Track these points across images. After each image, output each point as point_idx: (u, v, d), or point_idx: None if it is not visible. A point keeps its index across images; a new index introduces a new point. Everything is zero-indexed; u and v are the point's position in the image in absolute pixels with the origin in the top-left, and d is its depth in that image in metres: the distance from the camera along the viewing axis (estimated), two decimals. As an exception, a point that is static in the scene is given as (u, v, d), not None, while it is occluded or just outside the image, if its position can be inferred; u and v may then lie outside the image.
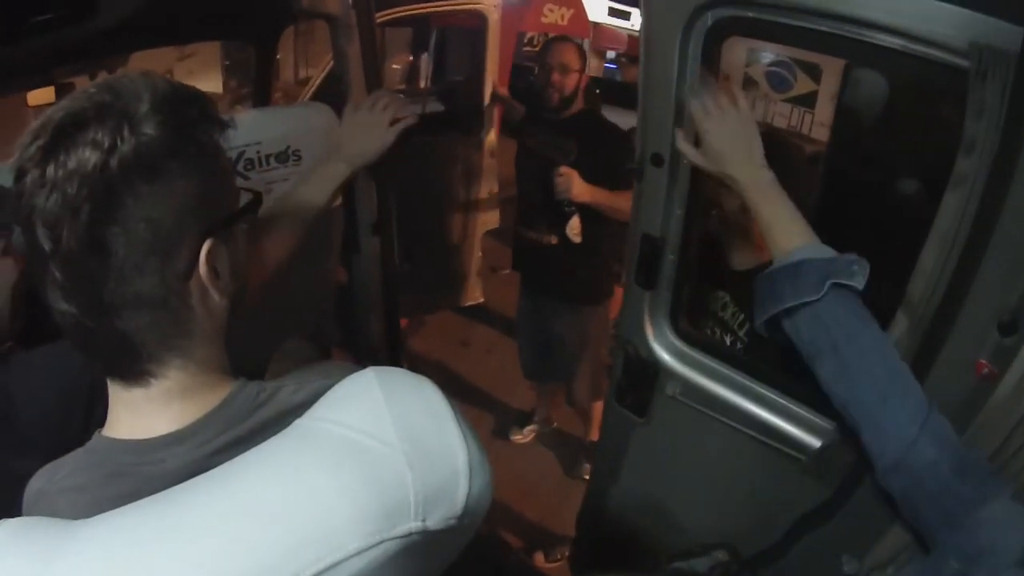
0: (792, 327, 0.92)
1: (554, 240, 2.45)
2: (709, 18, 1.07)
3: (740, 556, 1.13)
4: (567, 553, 2.37)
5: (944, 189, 0.88)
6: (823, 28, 0.96)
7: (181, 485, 0.54)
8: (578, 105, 2.45)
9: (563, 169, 2.22)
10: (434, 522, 0.55)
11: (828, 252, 0.92)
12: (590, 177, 2.27)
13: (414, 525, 0.54)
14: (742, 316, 1.54)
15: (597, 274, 2.55)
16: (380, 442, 0.55)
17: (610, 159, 2.28)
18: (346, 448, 0.55)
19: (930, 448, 0.78)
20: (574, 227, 2.33)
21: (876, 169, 1.14)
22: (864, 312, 0.87)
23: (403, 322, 3.03)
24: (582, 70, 2.41)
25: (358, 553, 0.52)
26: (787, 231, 0.95)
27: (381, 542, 0.52)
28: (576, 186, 2.23)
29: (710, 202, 1.51)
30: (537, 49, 11.84)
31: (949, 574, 0.74)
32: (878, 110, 1.07)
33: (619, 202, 2.14)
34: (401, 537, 0.53)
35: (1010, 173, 0.81)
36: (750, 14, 1.02)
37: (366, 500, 0.53)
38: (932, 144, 1.05)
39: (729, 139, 1.01)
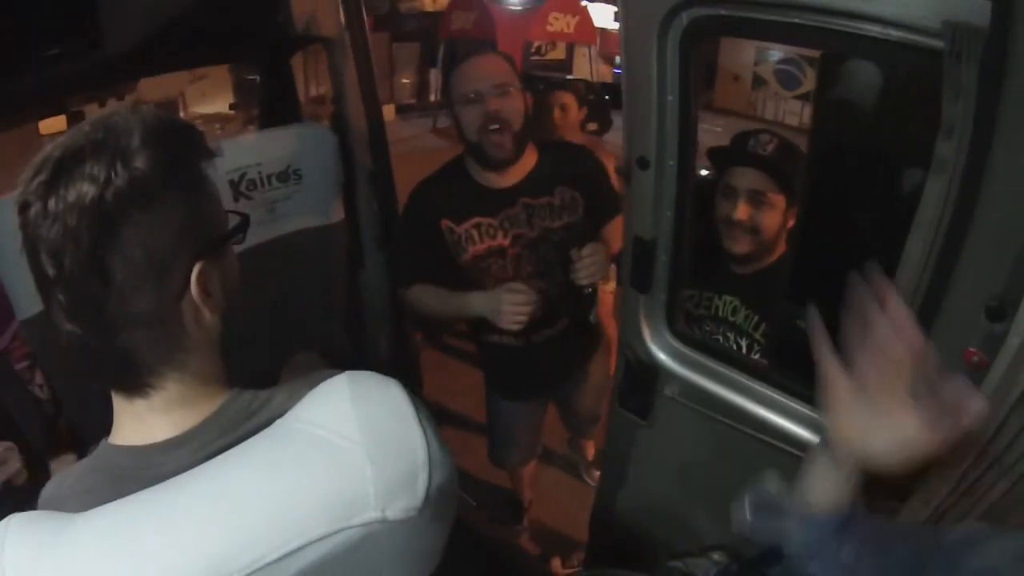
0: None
1: (564, 325, 1.82)
2: (684, 19, 1.07)
3: (741, 556, 1.12)
4: (583, 558, 2.36)
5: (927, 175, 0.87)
6: (797, 20, 0.95)
7: (169, 480, 0.59)
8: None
9: (591, 248, 1.59)
10: (394, 513, 0.59)
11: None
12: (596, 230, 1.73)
13: (374, 515, 0.59)
14: (756, 318, 1.54)
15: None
16: (344, 438, 0.60)
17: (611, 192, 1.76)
18: (313, 444, 0.60)
19: None
20: (595, 310, 1.73)
21: (860, 160, 1.13)
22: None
23: (418, 335, 3.04)
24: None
25: (321, 539, 0.57)
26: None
27: (342, 529, 0.58)
28: (605, 264, 1.63)
29: (712, 207, 1.51)
30: (545, 58, 11.78)
31: None
32: (860, 99, 1.06)
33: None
34: (362, 526, 0.58)
35: (987, 154, 0.80)
36: (723, 12, 1.02)
37: (329, 490, 0.58)
38: (916, 131, 1.04)
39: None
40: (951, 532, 0.68)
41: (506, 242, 1.71)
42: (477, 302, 1.66)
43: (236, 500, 0.57)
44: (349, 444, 0.59)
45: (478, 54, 1.65)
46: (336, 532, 0.57)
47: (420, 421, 0.63)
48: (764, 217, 1.46)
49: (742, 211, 1.46)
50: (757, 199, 1.45)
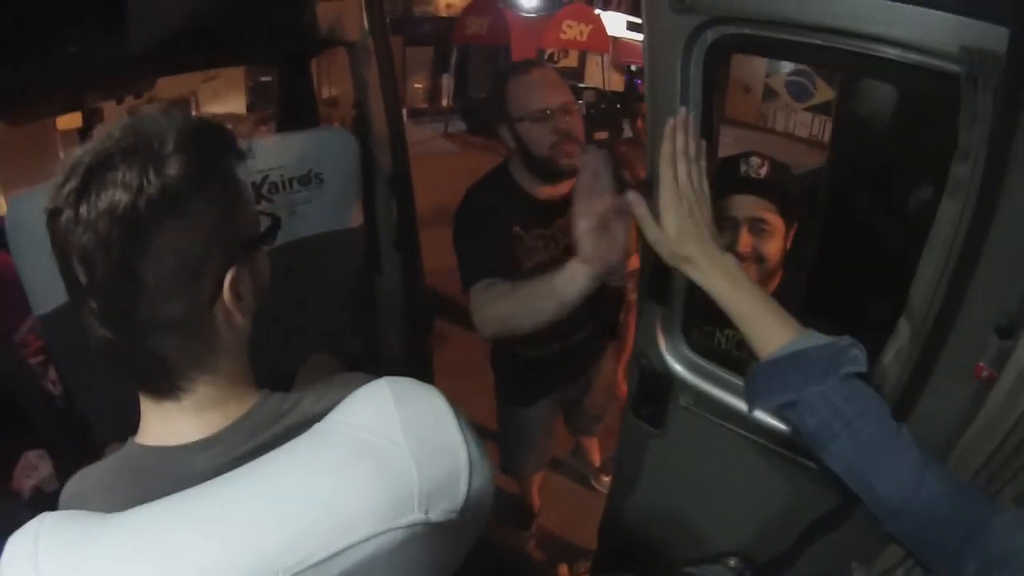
0: (798, 417, 0.89)
1: (592, 328, 1.92)
2: (709, 36, 1.09)
3: (754, 563, 1.14)
4: (590, 566, 2.37)
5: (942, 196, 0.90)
6: (819, 42, 0.97)
7: (208, 481, 0.59)
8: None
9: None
10: (436, 515, 0.60)
11: (822, 338, 0.89)
12: None
13: (418, 516, 0.59)
14: None
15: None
16: (389, 441, 0.60)
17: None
18: (358, 446, 0.60)
19: (936, 482, 0.79)
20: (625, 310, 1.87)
21: (877, 178, 1.14)
22: (868, 388, 0.87)
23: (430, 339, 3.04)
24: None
25: (367, 539, 0.57)
26: (774, 320, 0.92)
27: (388, 530, 0.58)
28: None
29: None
30: (558, 65, 11.85)
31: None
32: (879, 119, 1.08)
33: None
34: (406, 527, 0.59)
35: (1002, 177, 0.82)
36: (747, 31, 1.04)
37: (375, 492, 0.58)
38: (933, 152, 1.06)
39: (690, 218, 1.00)
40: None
41: (559, 252, 1.76)
42: (575, 271, 1.31)
43: (281, 500, 0.57)
44: (394, 446, 0.60)
45: (535, 68, 1.69)
46: (381, 533, 0.58)
47: (460, 426, 0.64)
48: (768, 245, 1.38)
49: (745, 243, 1.36)
50: (758, 227, 1.37)
